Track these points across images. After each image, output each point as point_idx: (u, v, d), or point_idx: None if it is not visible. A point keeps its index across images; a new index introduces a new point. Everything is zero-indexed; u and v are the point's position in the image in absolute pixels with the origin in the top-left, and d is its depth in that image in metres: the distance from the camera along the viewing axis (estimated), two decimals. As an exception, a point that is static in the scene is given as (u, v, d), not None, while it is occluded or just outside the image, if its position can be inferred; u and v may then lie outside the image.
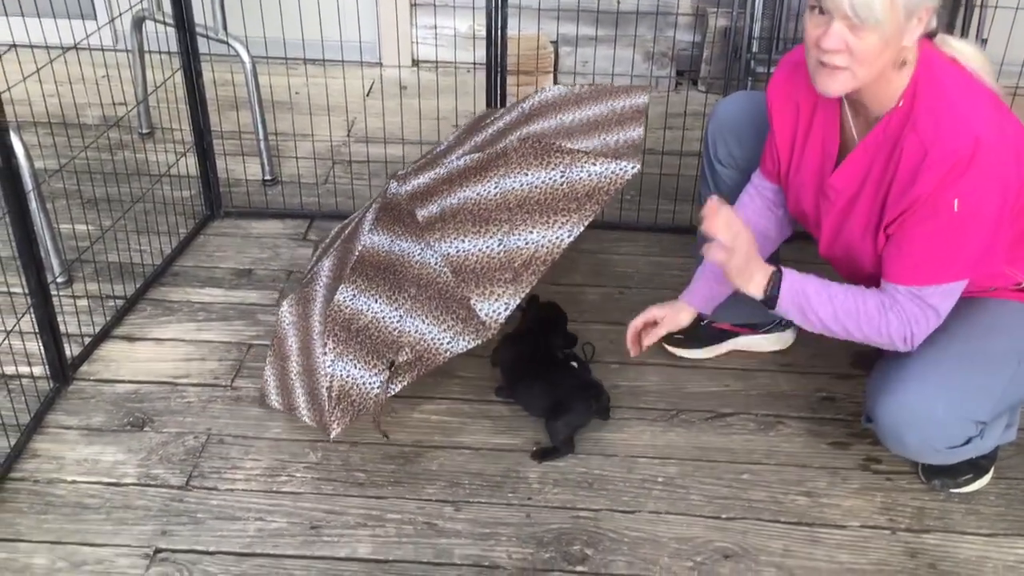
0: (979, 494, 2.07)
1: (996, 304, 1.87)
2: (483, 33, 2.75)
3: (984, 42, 3.27)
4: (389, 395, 2.00)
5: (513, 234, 2.00)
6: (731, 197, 2.17)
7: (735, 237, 1.76)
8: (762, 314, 2.43)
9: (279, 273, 2.78)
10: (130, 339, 2.51)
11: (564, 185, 2.03)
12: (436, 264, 2.04)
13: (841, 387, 2.35)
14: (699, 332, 2.40)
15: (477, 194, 2.08)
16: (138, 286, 2.67)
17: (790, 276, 1.83)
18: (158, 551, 1.93)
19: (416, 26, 4.03)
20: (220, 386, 2.35)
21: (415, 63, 4.08)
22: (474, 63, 3.94)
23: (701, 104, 3.40)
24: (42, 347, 2.29)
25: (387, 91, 3.68)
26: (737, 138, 2.22)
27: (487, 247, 2.01)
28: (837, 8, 1.59)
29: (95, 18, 3.94)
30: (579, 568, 1.91)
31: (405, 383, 2.01)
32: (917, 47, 1.68)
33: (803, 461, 2.15)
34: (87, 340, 2.46)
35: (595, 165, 2.03)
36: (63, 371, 2.33)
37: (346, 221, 2.50)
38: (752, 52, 3.58)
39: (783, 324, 2.43)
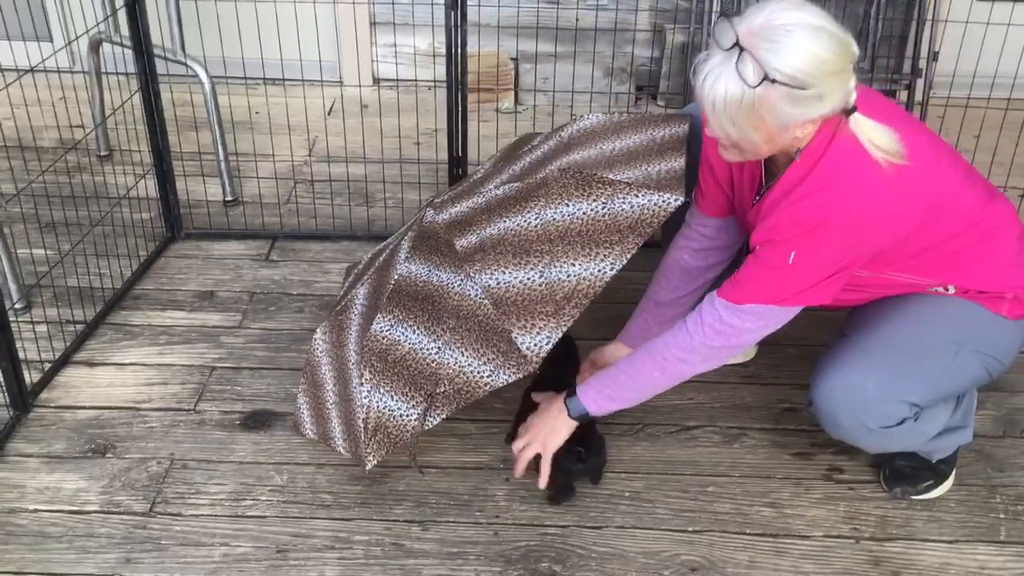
0: (940, 501, 2.10)
1: (937, 299, 1.92)
2: (443, 51, 2.76)
3: (936, 55, 3.34)
4: (426, 428, 1.98)
5: (554, 266, 1.98)
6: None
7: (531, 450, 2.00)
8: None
9: (241, 295, 2.77)
10: (91, 364, 2.49)
11: (606, 217, 1.99)
12: (476, 296, 2.01)
13: (803, 397, 2.37)
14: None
15: (518, 225, 2.04)
16: (98, 310, 2.65)
17: (582, 390, 1.97)
18: (122, 579, 1.91)
19: (376, 44, 4.03)
20: (183, 410, 2.33)
21: (376, 81, 4.08)
22: (434, 81, 3.96)
23: (661, 119, 3.42)
24: (0, 374, 2.26)
25: (348, 110, 3.68)
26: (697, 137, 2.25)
27: (528, 279, 1.98)
28: None
29: (51, 40, 3.90)
30: (547, 585, 1.92)
31: (444, 416, 1.98)
32: (823, 120, 1.71)
33: (767, 472, 2.17)
34: (47, 366, 2.43)
35: (638, 197, 1.99)
36: (23, 398, 2.30)
37: (380, 247, 2.45)
38: (710, 67, 3.61)
39: (745, 336, 2.46)
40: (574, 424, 1.97)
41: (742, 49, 1.58)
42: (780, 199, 1.77)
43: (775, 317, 1.83)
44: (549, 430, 1.98)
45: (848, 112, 1.68)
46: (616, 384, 1.96)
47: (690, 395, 2.38)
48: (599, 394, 1.96)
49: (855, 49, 1.63)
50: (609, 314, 2.36)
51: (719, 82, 1.61)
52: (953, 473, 2.12)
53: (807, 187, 1.73)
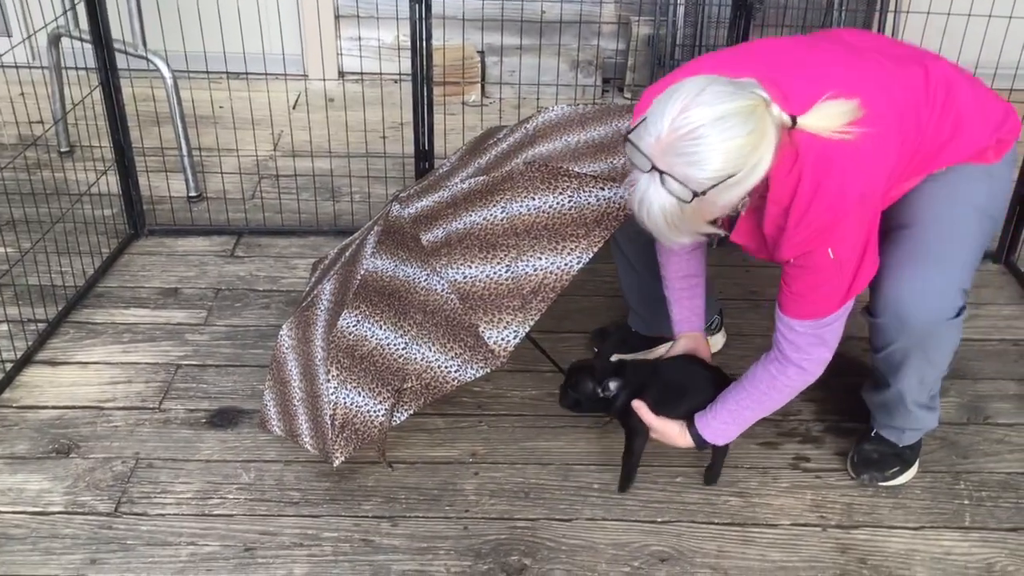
0: (905, 488, 2.12)
1: (944, 173, 1.91)
2: (408, 44, 2.75)
3: (898, 45, 3.36)
4: (394, 424, 1.98)
5: (521, 260, 1.97)
6: None
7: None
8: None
9: (206, 291, 2.74)
10: (53, 363, 2.45)
11: (572, 210, 1.99)
12: (443, 290, 2.00)
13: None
14: (632, 338, 2.42)
15: (483, 219, 2.04)
16: (60, 309, 2.61)
17: (700, 421, 2.00)
18: (87, 580, 1.89)
19: (341, 38, 4.01)
20: (148, 409, 2.31)
21: (341, 75, 4.06)
22: (400, 74, 3.94)
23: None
24: (-40, 375, 2.23)
25: (313, 104, 3.65)
26: None
27: (495, 273, 1.98)
28: None
29: (8, 35, 3.85)
30: (517, 578, 1.92)
31: (411, 412, 1.98)
32: (779, 137, 1.65)
33: (734, 462, 2.18)
34: (8, 366, 2.40)
35: (603, 190, 1.99)
36: (-17, 399, 2.27)
37: (346, 242, 2.43)
38: (675, 59, 3.63)
39: (713, 328, 2.47)
40: (690, 443, 2.03)
41: (661, 172, 1.56)
42: (781, 219, 1.75)
43: (849, 305, 1.86)
44: (670, 441, 2.04)
45: (790, 128, 1.63)
46: (743, 419, 1.99)
47: (658, 386, 2.39)
48: (729, 428, 2.00)
49: (763, 95, 1.58)
50: (576, 307, 2.36)
51: (654, 207, 1.59)
52: (918, 460, 2.14)
53: (802, 199, 1.71)
